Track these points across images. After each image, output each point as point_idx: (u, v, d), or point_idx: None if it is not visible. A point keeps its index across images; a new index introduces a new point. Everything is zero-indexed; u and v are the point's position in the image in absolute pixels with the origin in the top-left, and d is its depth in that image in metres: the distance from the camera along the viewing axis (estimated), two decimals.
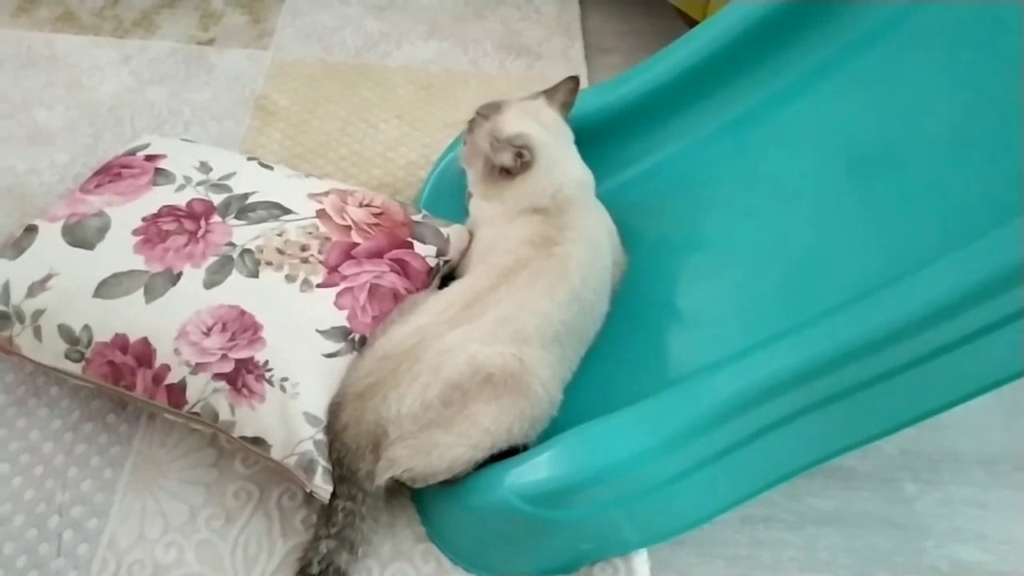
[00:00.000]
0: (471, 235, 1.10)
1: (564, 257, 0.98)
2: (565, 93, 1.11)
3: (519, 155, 1.02)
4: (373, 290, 0.97)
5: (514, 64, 1.66)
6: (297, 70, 1.56)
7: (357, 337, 0.94)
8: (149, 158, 1.07)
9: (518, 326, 0.92)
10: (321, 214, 1.02)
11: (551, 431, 0.93)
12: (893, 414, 0.88)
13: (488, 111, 1.09)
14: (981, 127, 0.97)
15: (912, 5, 1.10)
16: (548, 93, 1.11)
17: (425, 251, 1.04)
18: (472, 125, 1.10)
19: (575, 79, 1.12)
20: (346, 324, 0.94)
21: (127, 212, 0.99)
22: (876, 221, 0.99)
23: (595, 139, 1.15)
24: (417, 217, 1.08)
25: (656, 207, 1.19)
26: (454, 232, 1.08)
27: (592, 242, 1.03)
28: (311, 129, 1.44)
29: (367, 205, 1.06)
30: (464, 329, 0.91)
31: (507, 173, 1.03)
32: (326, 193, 1.05)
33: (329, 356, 0.91)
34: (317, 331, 0.92)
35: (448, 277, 1.09)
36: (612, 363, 1.04)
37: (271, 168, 1.09)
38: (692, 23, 1.61)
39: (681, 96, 1.21)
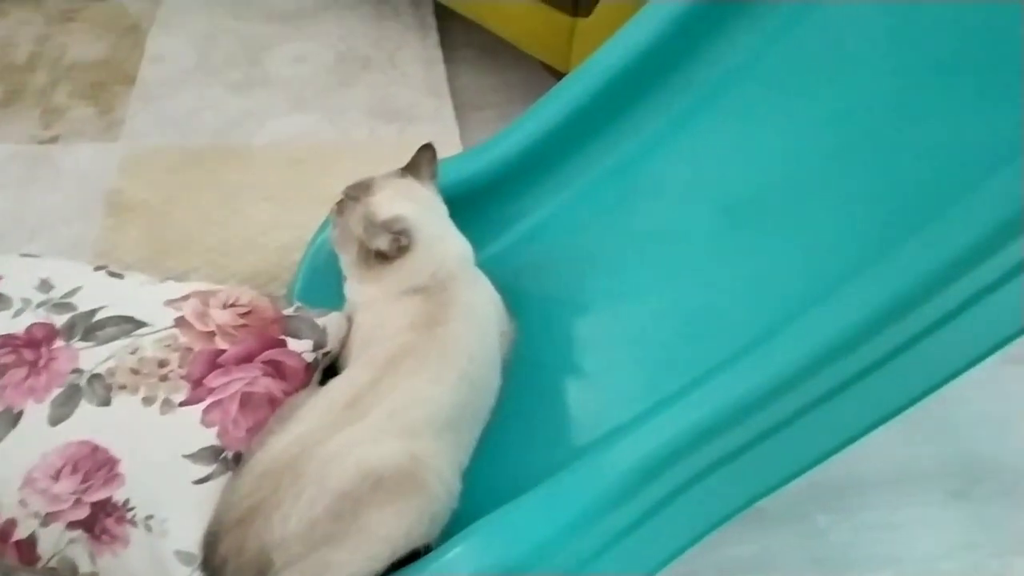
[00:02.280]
0: (350, 321, 1.05)
1: (448, 337, 0.94)
2: (427, 163, 1.08)
3: (396, 240, 0.98)
4: (245, 399, 0.90)
5: (386, 130, 1.62)
6: (153, 159, 1.47)
7: (231, 455, 0.86)
8: None
9: (407, 419, 0.87)
10: (180, 322, 0.94)
11: (453, 524, 0.88)
12: (804, 453, 0.88)
13: (357, 192, 1.05)
14: (844, 164, 0.99)
15: (766, 47, 1.12)
16: (410, 169, 1.07)
17: (301, 347, 0.98)
18: (341, 207, 1.05)
19: (429, 146, 1.09)
20: (217, 442, 0.86)
21: None
22: (756, 265, 0.99)
23: (470, 206, 1.12)
24: (289, 311, 1.02)
25: (541, 268, 1.17)
26: (331, 321, 1.02)
27: (477, 316, 0.99)
28: (173, 222, 1.36)
29: (232, 305, 0.99)
30: (348, 431, 0.85)
31: (383, 257, 0.99)
32: (185, 298, 0.98)
33: (200, 482, 0.83)
34: (183, 456, 0.84)
35: (332, 368, 1.03)
36: (511, 438, 0.99)
37: (122, 276, 1.01)
38: (558, 75, 1.62)
39: (553, 153, 1.20)
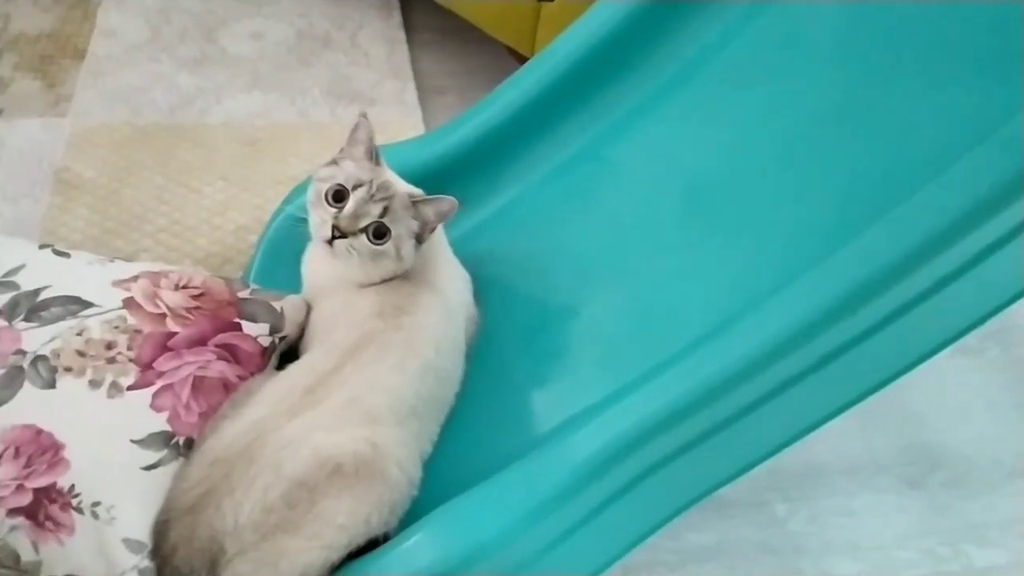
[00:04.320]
0: (308, 306, 1.01)
1: (415, 328, 0.91)
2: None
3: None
4: (197, 383, 0.87)
5: (346, 111, 1.59)
6: (102, 136, 1.42)
7: (182, 441, 0.83)
8: None
9: (367, 406, 0.84)
10: (129, 303, 0.91)
11: (414, 512, 0.86)
12: (765, 441, 0.88)
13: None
14: (803, 154, 0.98)
15: (727, 37, 1.12)
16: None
17: (256, 330, 0.95)
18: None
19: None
20: (167, 428, 0.83)
21: None
22: (715, 254, 0.99)
23: (431, 189, 1.09)
24: (244, 293, 0.98)
25: (503, 254, 1.15)
26: (288, 304, 0.99)
27: (447, 306, 0.97)
28: (123, 200, 1.31)
29: (185, 287, 0.95)
30: (306, 417, 0.83)
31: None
32: (135, 278, 0.94)
33: (149, 468, 0.80)
34: (132, 441, 0.81)
35: (287, 354, 1.00)
36: (474, 426, 0.98)
37: (68, 255, 0.97)
38: (522, 59, 1.60)
39: (516, 138, 1.18)
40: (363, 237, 0.90)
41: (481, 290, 1.08)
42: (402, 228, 0.92)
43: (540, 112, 1.17)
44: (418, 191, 0.97)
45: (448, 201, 0.93)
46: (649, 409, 0.83)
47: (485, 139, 1.17)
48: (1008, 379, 1.29)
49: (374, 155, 0.95)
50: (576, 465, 0.82)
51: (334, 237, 0.90)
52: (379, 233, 0.91)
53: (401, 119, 1.59)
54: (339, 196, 0.91)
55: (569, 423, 0.92)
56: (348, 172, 0.92)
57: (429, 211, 0.93)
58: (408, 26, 1.83)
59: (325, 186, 0.92)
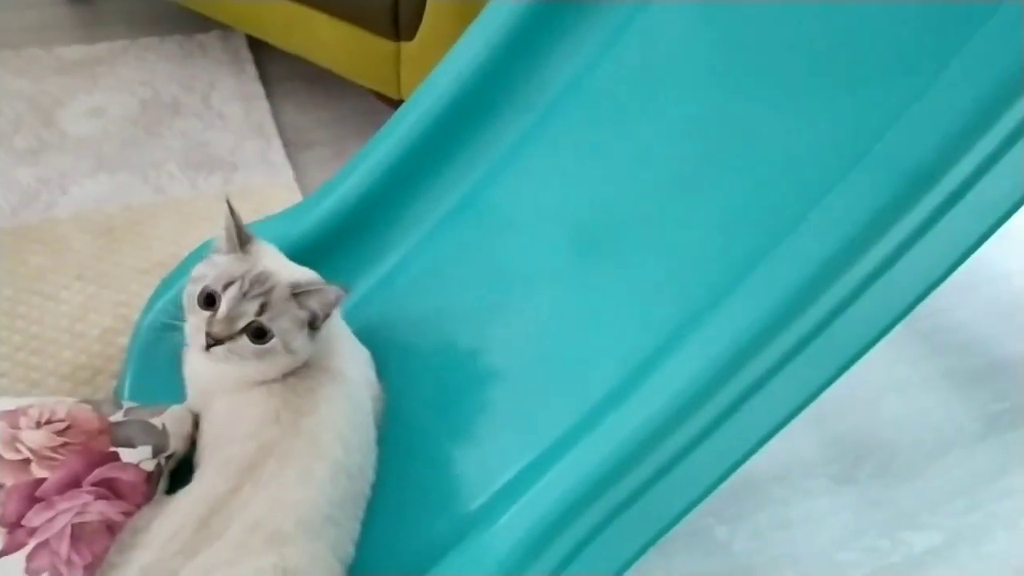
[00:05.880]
0: (194, 415, 0.92)
1: (318, 428, 0.84)
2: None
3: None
4: (77, 532, 0.77)
5: (208, 181, 1.48)
6: None
7: None
8: None
9: (273, 528, 0.76)
10: None
11: None
12: (707, 476, 0.87)
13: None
14: (696, 177, 0.96)
15: (598, 58, 1.08)
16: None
17: (137, 456, 0.85)
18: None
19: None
20: None
21: None
22: (615, 289, 0.95)
23: (317, 258, 1.01)
24: (117, 416, 0.88)
25: (398, 320, 1.08)
26: (170, 419, 0.90)
27: (350, 393, 0.90)
28: None
29: (48, 422, 0.85)
30: (206, 555, 0.74)
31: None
32: None
33: None
34: None
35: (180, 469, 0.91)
36: (395, 514, 0.91)
37: None
38: (390, 102, 1.54)
39: (394, 194, 1.11)
40: (243, 339, 0.82)
41: (380, 362, 1.02)
42: (286, 322, 0.83)
43: (415, 164, 1.10)
44: (305, 275, 0.89)
45: (333, 291, 0.85)
46: (577, 477, 0.79)
47: (362, 201, 1.09)
48: (914, 356, 1.32)
49: (244, 244, 0.86)
50: (508, 552, 0.77)
51: (209, 345, 0.81)
52: (259, 333, 0.82)
53: (270, 181, 1.50)
54: (211, 299, 0.82)
55: (498, 496, 0.87)
56: (220, 270, 0.83)
57: (314, 303, 0.85)
58: (265, 78, 1.73)
59: (197, 288, 0.83)
